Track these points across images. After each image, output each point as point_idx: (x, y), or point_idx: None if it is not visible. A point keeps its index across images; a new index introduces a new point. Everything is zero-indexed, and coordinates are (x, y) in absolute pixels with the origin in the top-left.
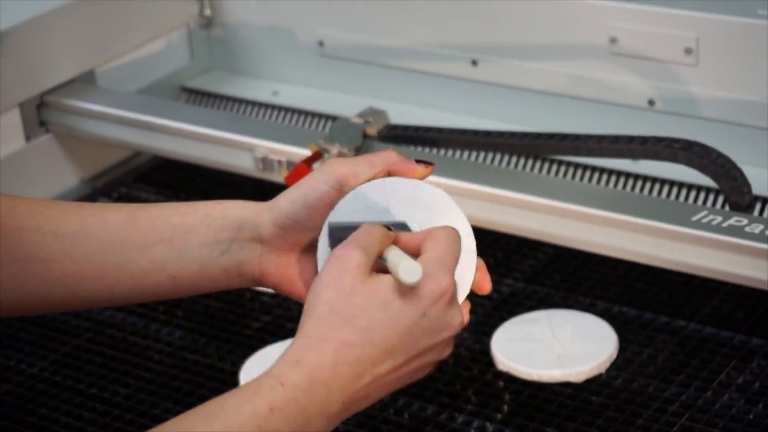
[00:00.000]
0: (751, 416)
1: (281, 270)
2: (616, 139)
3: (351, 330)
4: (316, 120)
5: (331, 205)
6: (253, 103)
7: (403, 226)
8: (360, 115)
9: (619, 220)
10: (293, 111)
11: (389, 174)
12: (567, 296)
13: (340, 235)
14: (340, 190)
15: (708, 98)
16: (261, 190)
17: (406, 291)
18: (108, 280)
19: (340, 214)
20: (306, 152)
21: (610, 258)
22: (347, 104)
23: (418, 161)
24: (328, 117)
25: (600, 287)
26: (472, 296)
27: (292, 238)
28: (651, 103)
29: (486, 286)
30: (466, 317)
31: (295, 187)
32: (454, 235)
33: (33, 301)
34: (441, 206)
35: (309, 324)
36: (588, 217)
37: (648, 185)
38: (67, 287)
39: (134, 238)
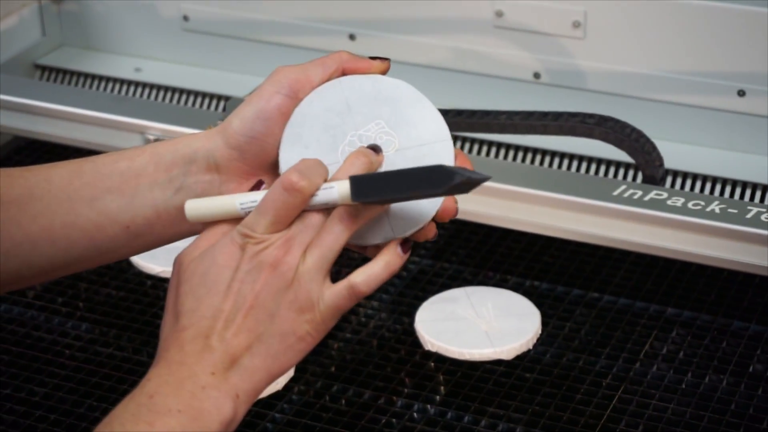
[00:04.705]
0: (683, 386)
1: None
2: (528, 115)
3: (183, 316)
4: (184, 96)
5: (287, 115)
6: (115, 80)
7: None
8: None
9: (540, 197)
10: (160, 88)
11: (344, 74)
12: (476, 272)
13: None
14: (295, 98)
15: (595, 71)
16: None
17: (217, 257)
18: (60, 242)
19: (298, 122)
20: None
21: (512, 231)
22: (220, 81)
23: (372, 58)
24: (197, 94)
25: (508, 262)
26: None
27: (252, 158)
28: (536, 76)
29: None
30: (453, 207)
31: (245, 104)
32: (279, 189)
33: None
34: (405, 98)
35: (160, 333)
36: (508, 194)
37: (548, 159)
38: (18, 257)
39: (81, 191)
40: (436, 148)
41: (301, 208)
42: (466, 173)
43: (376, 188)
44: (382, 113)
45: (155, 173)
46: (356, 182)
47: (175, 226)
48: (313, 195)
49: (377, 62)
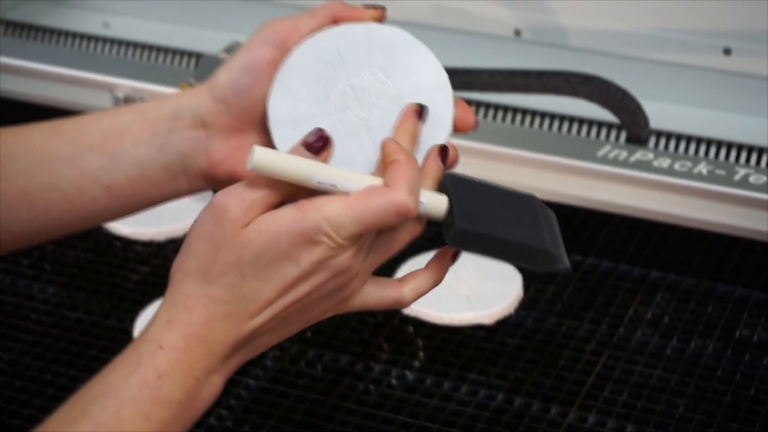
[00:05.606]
0: (668, 351)
1: (233, 155)
2: (510, 74)
3: (220, 286)
4: (154, 54)
5: (276, 67)
6: (82, 36)
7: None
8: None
9: (522, 157)
10: (129, 44)
11: (335, 24)
12: None
13: None
14: (284, 49)
15: (577, 28)
16: None
17: (280, 242)
18: (39, 204)
19: (288, 72)
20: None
21: None
22: (192, 37)
23: (366, 6)
24: (168, 51)
25: None
26: None
27: (239, 112)
28: (517, 33)
29: (469, 119)
30: (453, 154)
31: (233, 57)
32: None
33: None
34: (400, 44)
35: (177, 278)
36: (489, 154)
37: (528, 119)
38: None
39: (61, 150)
40: (434, 95)
41: None
42: (565, 262)
43: (475, 244)
44: (376, 61)
45: (140, 130)
46: (460, 234)
47: (159, 187)
48: None
49: (370, 10)
